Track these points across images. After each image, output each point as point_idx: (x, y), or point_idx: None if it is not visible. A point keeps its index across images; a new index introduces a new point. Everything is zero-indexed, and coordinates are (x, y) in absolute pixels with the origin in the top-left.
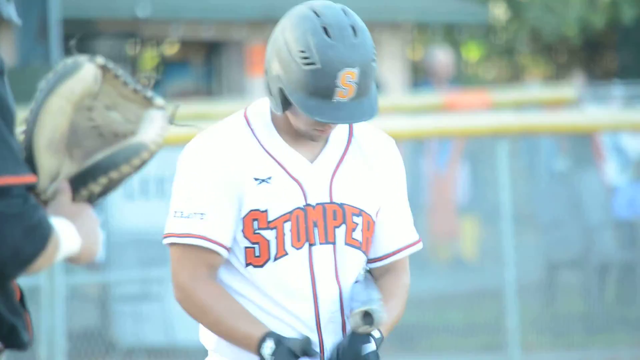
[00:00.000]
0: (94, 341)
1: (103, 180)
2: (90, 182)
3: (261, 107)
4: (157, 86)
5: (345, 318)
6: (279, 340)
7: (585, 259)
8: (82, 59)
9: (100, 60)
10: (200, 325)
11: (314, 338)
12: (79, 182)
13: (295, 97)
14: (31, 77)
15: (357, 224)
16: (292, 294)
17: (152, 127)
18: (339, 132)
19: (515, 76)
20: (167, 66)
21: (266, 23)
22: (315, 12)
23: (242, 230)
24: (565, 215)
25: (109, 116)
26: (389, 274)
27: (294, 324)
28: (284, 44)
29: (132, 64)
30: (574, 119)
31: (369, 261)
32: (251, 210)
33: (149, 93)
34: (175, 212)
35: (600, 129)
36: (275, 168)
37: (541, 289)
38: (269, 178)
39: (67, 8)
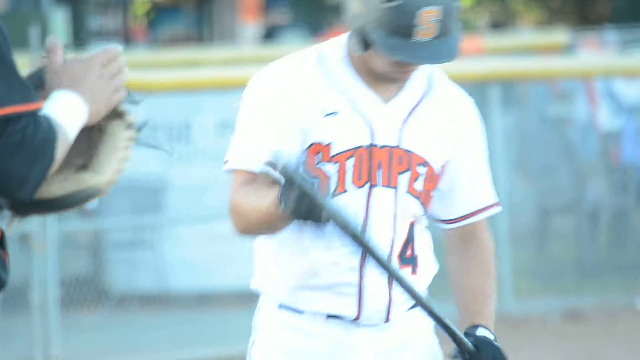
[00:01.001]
0: (87, 288)
1: (52, 212)
2: (40, 211)
3: (338, 43)
4: (149, 31)
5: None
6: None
7: (577, 205)
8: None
9: None
10: (255, 270)
11: (352, 279)
12: (33, 207)
13: (375, 35)
14: (22, 23)
15: (420, 174)
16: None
17: (113, 159)
18: (418, 78)
19: (508, 21)
20: (159, 12)
21: None
22: None
23: (305, 162)
24: (557, 161)
25: None
26: (472, 243)
27: (337, 260)
28: None
29: (124, 10)
30: (566, 65)
31: (444, 221)
32: (314, 143)
33: (123, 107)
34: (237, 138)
35: (593, 74)
36: (344, 103)
37: (533, 235)
38: (336, 112)
39: None
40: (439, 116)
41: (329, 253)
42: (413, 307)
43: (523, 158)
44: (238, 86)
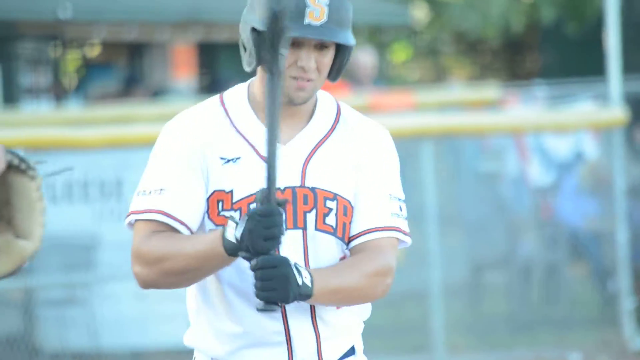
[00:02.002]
0: (17, 347)
1: None
2: None
3: (240, 88)
4: (80, 88)
5: (317, 314)
6: (235, 216)
7: (510, 259)
8: None
9: None
10: (189, 326)
11: (278, 327)
12: None
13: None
14: None
15: (330, 209)
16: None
17: (35, 223)
18: (325, 114)
19: (439, 77)
20: (90, 68)
21: (190, 24)
22: None
23: (207, 212)
24: (490, 215)
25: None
26: (356, 255)
27: (256, 314)
28: None
29: (55, 67)
30: (497, 120)
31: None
32: (215, 191)
33: (25, 165)
34: (138, 191)
35: (523, 129)
36: (244, 147)
37: (466, 290)
38: (237, 158)
39: None
40: (347, 149)
41: (251, 306)
42: (345, 355)
43: (455, 212)
44: None
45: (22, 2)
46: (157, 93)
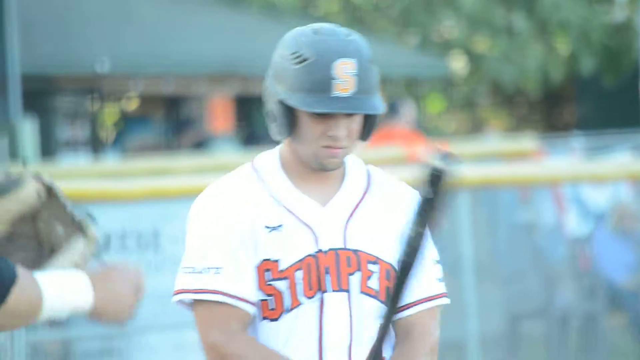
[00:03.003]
0: None
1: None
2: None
3: (270, 154)
4: (118, 141)
5: None
6: None
7: (547, 310)
8: (26, 175)
9: (46, 179)
10: None
11: None
12: None
13: (293, 99)
14: None
15: (372, 272)
16: (298, 346)
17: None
18: (356, 177)
19: (475, 128)
20: (128, 121)
21: (226, 77)
22: (310, 27)
23: (257, 282)
24: (527, 266)
25: (51, 226)
26: (407, 339)
27: None
28: (279, 57)
29: (92, 120)
30: (535, 171)
31: None
32: (263, 260)
33: (83, 222)
34: (186, 268)
35: (560, 180)
36: (285, 215)
37: (504, 340)
38: (280, 226)
39: (26, 64)
40: (383, 210)
41: None
42: None
43: (492, 263)
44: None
45: (60, 57)
46: (201, 144)
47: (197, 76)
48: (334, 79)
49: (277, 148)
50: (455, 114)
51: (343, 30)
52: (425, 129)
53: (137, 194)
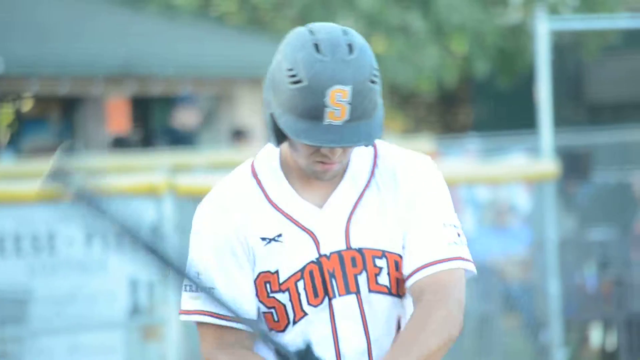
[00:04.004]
0: None
1: None
2: None
3: (270, 154)
4: (13, 142)
5: None
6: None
7: None
8: None
9: None
10: None
11: None
12: None
13: (283, 120)
14: None
15: (381, 268)
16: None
17: None
18: (361, 166)
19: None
20: (24, 123)
21: (124, 78)
22: (310, 30)
23: (257, 295)
24: None
25: None
26: (417, 306)
27: None
28: (277, 64)
29: None
30: None
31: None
32: (261, 273)
33: None
34: (185, 285)
35: (456, 181)
36: (283, 223)
37: None
38: (278, 236)
39: None
40: (387, 196)
41: None
42: None
43: None
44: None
45: None
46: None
47: (93, 77)
48: (326, 107)
49: (278, 148)
50: None
51: (345, 46)
52: None
53: (32, 195)
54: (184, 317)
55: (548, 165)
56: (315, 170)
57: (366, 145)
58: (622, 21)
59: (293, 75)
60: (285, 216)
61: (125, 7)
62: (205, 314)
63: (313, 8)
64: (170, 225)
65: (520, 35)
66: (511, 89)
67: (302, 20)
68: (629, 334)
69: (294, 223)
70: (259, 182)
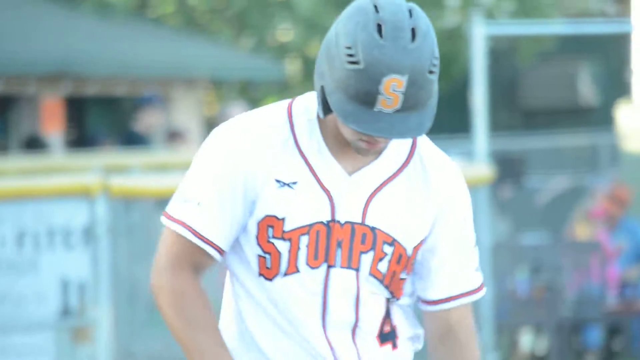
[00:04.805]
0: None
1: None
2: None
3: (309, 102)
4: None
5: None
6: None
7: None
8: None
9: None
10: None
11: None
12: None
13: (333, 98)
14: None
15: (386, 254)
16: (298, 317)
17: None
18: (399, 148)
19: None
20: None
21: (59, 78)
22: (376, 6)
23: (257, 236)
24: None
25: None
26: (449, 342)
27: (305, 346)
28: (334, 36)
29: None
30: None
31: (422, 301)
32: (267, 216)
33: None
34: (179, 191)
35: None
36: (304, 172)
37: None
38: (294, 183)
39: None
40: (418, 190)
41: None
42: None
43: None
44: (35, 196)
45: None
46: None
47: (27, 76)
48: (379, 94)
49: (315, 101)
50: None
51: (409, 31)
52: None
53: None
54: (164, 221)
55: (482, 169)
56: (359, 147)
57: (415, 137)
58: (557, 27)
59: (350, 55)
60: (308, 166)
61: (61, 6)
62: (185, 227)
63: (250, 11)
64: (103, 227)
65: (456, 39)
66: (447, 93)
67: (239, 22)
68: (559, 338)
69: (315, 177)
70: (292, 126)
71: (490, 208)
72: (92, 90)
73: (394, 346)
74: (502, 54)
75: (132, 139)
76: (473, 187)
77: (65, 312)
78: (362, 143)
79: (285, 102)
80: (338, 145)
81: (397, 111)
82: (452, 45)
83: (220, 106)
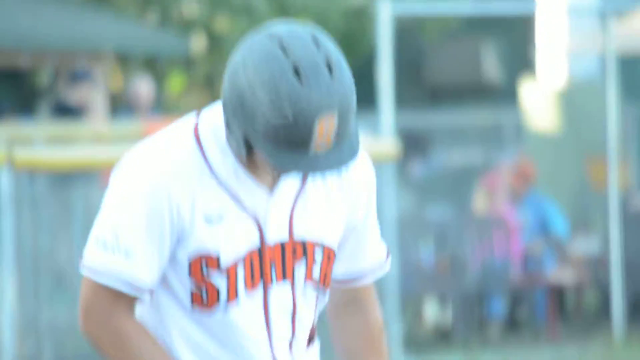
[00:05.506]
0: None
1: None
2: None
3: (216, 122)
4: None
5: None
6: None
7: None
8: None
9: None
10: None
11: None
12: None
13: (263, 148)
14: None
15: (316, 261)
16: (244, 339)
17: None
18: None
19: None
20: None
21: None
22: (283, 49)
23: (189, 274)
24: None
25: None
26: (357, 311)
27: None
28: (248, 86)
29: None
30: None
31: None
32: (200, 254)
33: None
34: (98, 238)
35: None
36: (228, 204)
37: None
38: (221, 217)
39: None
40: (326, 187)
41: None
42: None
43: None
44: None
45: None
46: None
47: None
48: (313, 140)
49: (222, 120)
50: (196, 93)
51: (324, 66)
52: (166, 107)
53: None
54: (87, 272)
55: (388, 145)
56: (275, 178)
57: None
58: (464, 7)
59: (276, 109)
60: (231, 195)
61: None
62: (118, 280)
63: None
64: (6, 198)
65: (362, 17)
66: (353, 68)
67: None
68: (464, 309)
69: (240, 206)
70: (203, 153)
71: (396, 183)
72: (3, 61)
73: (311, 344)
74: (408, 31)
75: (64, 111)
76: (379, 163)
77: None
78: (279, 174)
79: (189, 125)
80: (251, 164)
81: (331, 147)
82: (358, 23)
83: (125, 80)
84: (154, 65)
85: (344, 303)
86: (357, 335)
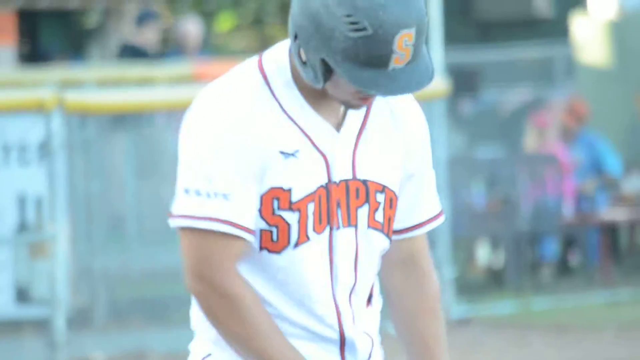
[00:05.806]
0: None
1: None
2: None
3: (279, 59)
4: None
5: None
6: None
7: None
8: None
9: None
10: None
11: (334, 335)
12: None
13: (344, 68)
14: None
15: (379, 203)
16: (308, 286)
17: None
18: None
19: (264, 46)
20: None
21: None
22: None
23: (260, 210)
24: None
25: None
26: (415, 274)
27: (309, 322)
28: (322, 6)
29: None
30: None
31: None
32: (272, 188)
33: None
34: (188, 189)
35: None
36: (301, 138)
37: None
38: (296, 151)
39: None
40: (386, 130)
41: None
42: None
43: None
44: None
45: None
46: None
47: None
48: (393, 53)
49: (287, 55)
50: (245, 32)
51: None
52: (214, 46)
53: None
54: (185, 223)
55: (438, 83)
56: (353, 105)
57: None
58: None
59: (353, 23)
60: (302, 131)
61: None
62: (224, 223)
63: None
64: (58, 142)
65: None
66: None
67: None
68: (516, 251)
69: (311, 142)
70: (271, 90)
71: (446, 122)
72: (44, 3)
73: (370, 304)
74: None
75: (132, 53)
76: (429, 101)
77: (23, 227)
78: (359, 101)
79: (253, 63)
80: (316, 100)
81: (407, 64)
82: None
83: (174, 20)
84: (202, 4)
85: (400, 262)
86: (413, 296)
